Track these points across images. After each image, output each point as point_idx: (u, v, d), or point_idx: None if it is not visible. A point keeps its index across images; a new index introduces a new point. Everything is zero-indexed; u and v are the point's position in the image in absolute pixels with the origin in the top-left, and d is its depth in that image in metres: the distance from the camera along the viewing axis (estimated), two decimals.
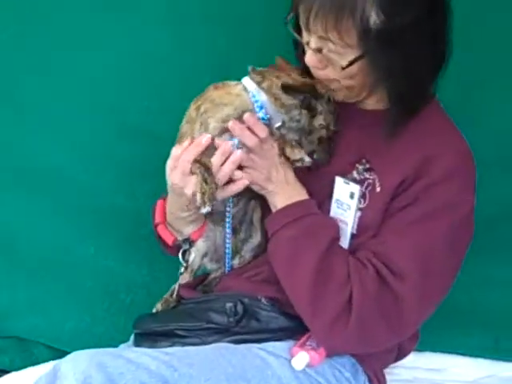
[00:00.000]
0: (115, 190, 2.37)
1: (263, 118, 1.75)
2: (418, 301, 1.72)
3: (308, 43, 1.71)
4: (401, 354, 2.01)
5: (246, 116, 1.72)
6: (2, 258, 2.41)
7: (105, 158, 2.35)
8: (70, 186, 2.37)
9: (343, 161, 1.82)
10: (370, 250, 1.74)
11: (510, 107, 2.24)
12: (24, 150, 2.35)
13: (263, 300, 1.82)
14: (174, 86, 2.29)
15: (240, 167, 1.75)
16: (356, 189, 1.77)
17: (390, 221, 1.76)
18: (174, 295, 1.90)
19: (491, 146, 2.19)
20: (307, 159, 1.80)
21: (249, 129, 1.73)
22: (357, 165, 1.80)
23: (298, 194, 1.80)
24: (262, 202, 1.85)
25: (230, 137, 1.74)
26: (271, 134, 1.76)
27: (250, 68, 1.79)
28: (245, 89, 1.76)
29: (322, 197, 1.82)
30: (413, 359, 2.23)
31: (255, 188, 1.80)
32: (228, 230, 1.86)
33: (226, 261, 1.91)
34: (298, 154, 1.79)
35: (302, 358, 1.72)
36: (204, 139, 1.72)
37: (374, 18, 1.60)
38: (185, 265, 1.89)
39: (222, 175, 1.72)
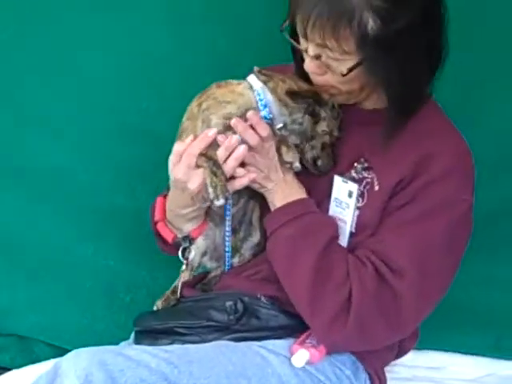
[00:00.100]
0: (115, 190, 2.37)
1: (266, 117, 1.75)
2: (416, 298, 1.72)
3: (306, 50, 1.71)
4: (401, 352, 2.01)
5: (250, 114, 1.72)
6: (2, 257, 2.41)
7: (105, 158, 2.36)
8: (70, 185, 2.37)
9: (342, 160, 1.82)
10: (369, 249, 1.75)
11: (509, 107, 2.24)
12: (24, 150, 2.36)
13: (263, 298, 1.82)
14: (173, 86, 2.29)
15: (241, 164, 1.75)
16: (354, 187, 1.78)
17: (389, 219, 1.76)
18: (178, 293, 1.89)
19: (490, 145, 2.19)
20: (297, 165, 1.80)
21: (251, 127, 1.73)
22: (355, 164, 1.81)
23: (297, 192, 1.81)
24: (261, 200, 1.85)
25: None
26: (273, 134, 1.76)
27: (255, 68, 1.80)
28: (249, 87, 1.77)
29: (320, 196, 1.82)
30: (413, 357, 2.24)
31: (255, 186, 1.80)
32: (227, 229, 1.86)
33: (226, 259, 1.91)
34: (291, 156, 1.79)
35: (301, 356, 1.72)
36: (210, 132, 1.72)
37: (371, 25, 1.60)
38: (185, 262, 1.89)
39: (225, 170, 1.72)
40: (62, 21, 2.29)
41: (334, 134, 1.82)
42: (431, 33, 1.70)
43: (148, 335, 1.85)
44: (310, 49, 1.70)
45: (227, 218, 1.85)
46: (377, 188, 1.78)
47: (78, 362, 1.58)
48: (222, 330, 1.80)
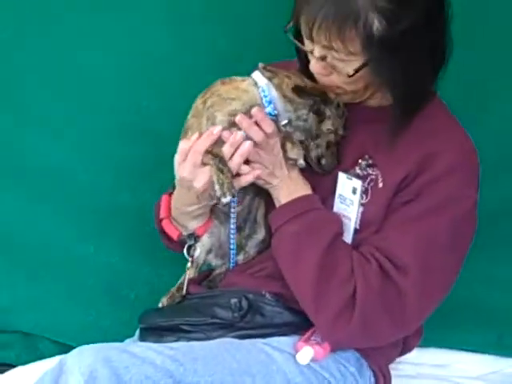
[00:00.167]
0: (115, 189, 2.37)
1: (271, 114, 1.75)
2: (420, 295, 1.72)
3: (312, 52, 1.72)
4: (405, 349, 2.01)
5: (255, 110, 1.72)
6: (4, 256, 2.41)
7: (105, 158, 2.35)
8: (71, 185, 2.37)
9: (346, 156, 1.83)
10: (373, 245, 1.75)
11: (510, 107, 2.25)
12: (24, 150, 2.35)
13: (268, 295, 1.82)
14: (174, 86, 2.29)
15: (246, 161, 1.75)
16: (358, 184, 1.78)
17: (393, 216, 1.77)
18: (184, 290, 1.89)
19: (493, 144, 2.19)
20: (302, 162, 1.80)
21: (256, 123, 1.72)
22: (360, 160, 1.81)
23: (302, 189, 1.81)
24: (267, 197, 1.85)
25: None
26: (278, 130, 1.76)
27: (260, 64, 1.80)
28: (254, 83, 1.77)
29: (325, 192, 1.82)
30: (417, 355, 2.24)
31: (260, 183, 1.80)
32: (232, 227, 1.86)
33: (231, 257, 1.91)
34: (295, 153, 1.80)
35: (306, 353, 1.72)
36: (216, 130, 1.72)
37: (376, 25, 1.61)
38: (190, 259, 1.88)
39: (231, 167, 1.72)
40: (62, 21, 2.29)
41: (339, 132, 1.82)
42: (435, 33, 1.70)
43: (153, 332, 1.84)
44: (315, 50, 1.70)
45: (232, 216, 1.85)
46: (381, 185, 1.78)
47: (82, 359, 1.57)
48: (227, 328, 1.80)
